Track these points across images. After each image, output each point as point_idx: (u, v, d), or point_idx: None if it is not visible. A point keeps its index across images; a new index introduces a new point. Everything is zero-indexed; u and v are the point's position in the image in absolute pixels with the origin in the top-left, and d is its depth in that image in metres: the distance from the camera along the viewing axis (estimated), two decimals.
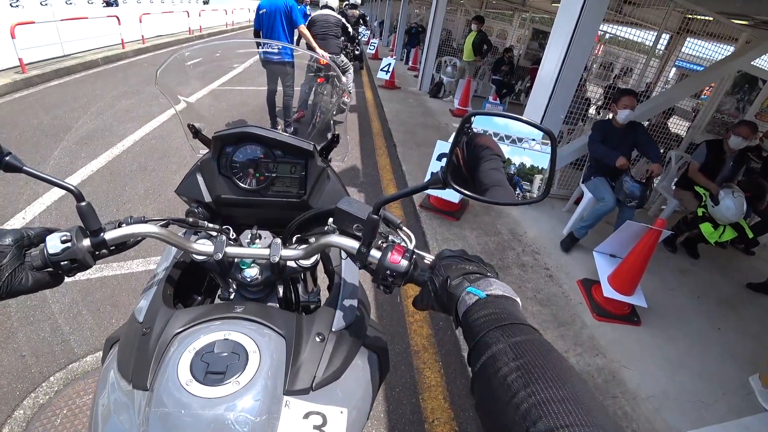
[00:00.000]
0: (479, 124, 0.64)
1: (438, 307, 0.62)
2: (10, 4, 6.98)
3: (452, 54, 9.24)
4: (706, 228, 3.40)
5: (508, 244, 3.36)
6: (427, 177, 3.51)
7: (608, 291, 2.69)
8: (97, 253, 0.64)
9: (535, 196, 0.65)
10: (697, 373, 2.39)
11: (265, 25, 4.59)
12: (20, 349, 2.00)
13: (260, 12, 4.54)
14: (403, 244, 0.67)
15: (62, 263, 0.60)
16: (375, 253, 0.65)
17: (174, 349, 0.59)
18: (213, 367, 0.55)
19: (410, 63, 11.87)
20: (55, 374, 1.90)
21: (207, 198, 0.87)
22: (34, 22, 7.09)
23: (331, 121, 1.16)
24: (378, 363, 0.78)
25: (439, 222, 3.50)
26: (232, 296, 0.84)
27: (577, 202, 3.71)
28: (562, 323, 2.57)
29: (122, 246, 0.67)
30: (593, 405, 0.37)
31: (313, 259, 0.78)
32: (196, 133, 0.95)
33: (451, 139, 0.66)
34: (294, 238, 0.82)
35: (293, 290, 0.94)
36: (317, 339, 0.66)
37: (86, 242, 0.62)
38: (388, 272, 0.63)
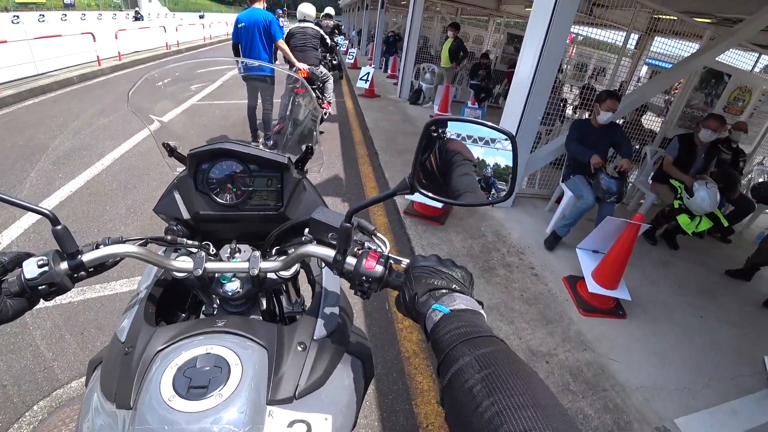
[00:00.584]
0: (453, 128, 0.66)
1: (410, 317, 0.64)
2: None
3: (430, 60, 9.36)
4: (683, 219, 3.51)
5: (493, 245, 3.40)
6: None
7: (593, 286, 2.74)
8: (75, 275, 0.64)
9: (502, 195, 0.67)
10: (682, 361, 2.45)
11: (243, 39, 4.58)
12: (1, 378, 1.93)
13: (239, 26, 4.53)
14: (378, 250, 0.69)
15: (40, 288, 0.59)
16: (351, 260, 0.66)
17: (156, 366, 0.59)
18: (195, 382, 0.55)
19: (389, 71, 11.98)
20: (38, 402, 1.84)
21: (185, 215, 0.87)
22: (6, 41, 6.96)
23: (315, 132, 1.17)
24: (362, 369, 0.79)
25: (424, 227, 3.52)
26: (215, 311, 0.84)
27: (559, 201, 3.79)
28: (550, 321, 2.60)
29: (101, 267, 0.67)
30: (553, 410, 0.39)
31: (292, 270, 0.79)
32: (172, 152, 0.96)
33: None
34: (273, 250, 0.83)
35: (277, 302, 0.95)
36: (299, 348, 0.67)
37: (64, 265, 0.62)
38: (363, 278, 0.64)
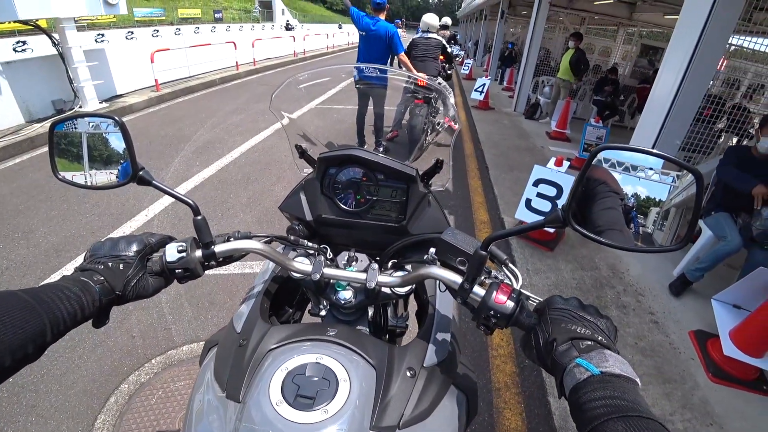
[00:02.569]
0: (610, 156, 0.58)
1: (540, 365, 0.57)
2: (152, 35, 8.28)
3: (550, 73, 8.80)
4: None
5: (607, 281, 3.03)
6: (521, 204, 3.35)
7: (730, 349, 2.25)
8: (206, 263, 0.69)
9: (650, 231, 0.58)
10: None
11: (363, 47, 4.75)
12: (132, 330, 2.27)
13: (361, 33, 4.70)
14: (508, 282, 0.63)
15: (177, 271, 0.66)
16: (478, 291, 0.61)
17: (267, 364, 0.60)
18: (303, 391, 0.55)
19: (505, 83, 11.60)
20: (156, 357, 2.12)
21: (308, 216, 0.89)
22: (169, 49, 8.31)
23: (450, 147, 1.15)
24: (466, 405, 0.72)
25: (532, 251, 3.28)
26: (322, 312, 0.85)
27: (693, 240, 3.24)
28: (669, 379, 2.21)
29: (229, 258, 0.72)
30: None
31: (408, 288, 0.76)
32: (302, 153, 1.00)
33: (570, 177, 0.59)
34: (390, 263, 0.81)
35: (383, 314, 0.92)
36: (408, 374, 0.63)
37: (198, 253, 0.67)
38: (491, 313, 0.58)
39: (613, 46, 11.28)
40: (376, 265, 0.73)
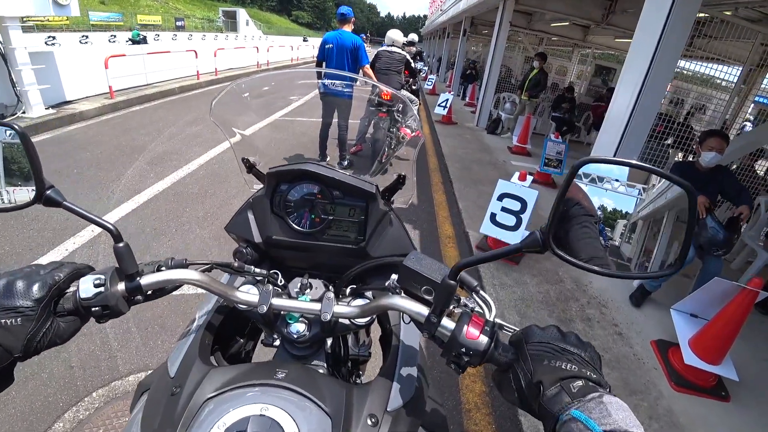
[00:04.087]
0: (590, 170, 0.53)
1: (523, 408, 0.49)
2: (109, 40, 7.90)
3: (511, 90, 9.14)
4: None
5: (572, 294, 3.07)
6: (486, 218, 3.35)
7: (690, 357, 2.32)
8: (131, 298, 0.58)
9: (617, 244, 0.54)
10: None
11: (329, 60, 4.68)
12: (70, 359, 2.04)
13: (326, 46, 4.64)
14: (479, 311, 0.56)
15: (93, 309, 0.55)
16: (447, 323, 0.53)
17: (203, 418, 0.50)
18: None
19: (467, 99, 11.91)
20: (98, 390, 1.91)
21: (257, 238, 0.80)
22: (125, 55, 7.94)
23: (413, 161, 1.08)
24: None
25: (497, 266, 3.29)
26: (276, 342, 0.76)
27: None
28: (635, 391, 2.24)
29: (160, 291, 0.61)
30: None
31: (368, 318, 0.67)
32: (251, 168, 0.91)
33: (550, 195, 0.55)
34: (348, 289, 0.73)
35: (342, 342, 0.84)
36: (369, 422, 0.55)
37: (120, 287, 0.57)
38: (463, 350, 0.51)
39: (569, 65, 11.89)
40: (331, 294, 0.65)
